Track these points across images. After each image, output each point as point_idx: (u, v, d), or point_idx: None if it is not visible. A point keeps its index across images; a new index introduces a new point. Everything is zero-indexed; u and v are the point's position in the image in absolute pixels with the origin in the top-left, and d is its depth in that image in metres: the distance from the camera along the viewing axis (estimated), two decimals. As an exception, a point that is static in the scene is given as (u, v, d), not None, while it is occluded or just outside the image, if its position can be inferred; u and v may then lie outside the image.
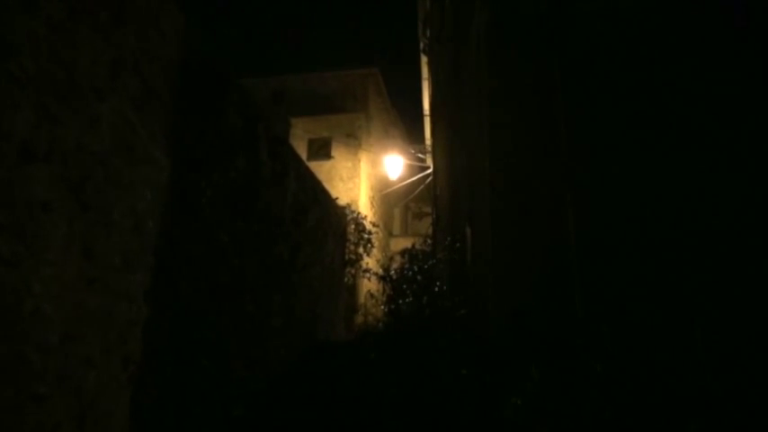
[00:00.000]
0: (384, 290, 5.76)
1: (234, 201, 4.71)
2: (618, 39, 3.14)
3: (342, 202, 11.18)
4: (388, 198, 17.95)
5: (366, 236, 11.27)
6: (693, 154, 2.85)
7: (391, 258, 6.06)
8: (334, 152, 14.20)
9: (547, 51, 3.29)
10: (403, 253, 5.73)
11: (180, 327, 3.74)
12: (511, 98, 3.37)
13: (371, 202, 15.21)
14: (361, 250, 10.94)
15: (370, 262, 10.95)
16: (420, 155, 14.47)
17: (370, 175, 15.32)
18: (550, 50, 3.27)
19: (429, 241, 7.27)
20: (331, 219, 9.08)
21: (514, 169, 3.27)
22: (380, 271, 5.77)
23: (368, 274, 9.99)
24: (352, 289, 11.05)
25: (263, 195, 5.53)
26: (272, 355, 5.56)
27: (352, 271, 10.67)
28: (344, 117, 14.73)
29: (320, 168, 13.27)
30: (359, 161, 14.18)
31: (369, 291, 7.25)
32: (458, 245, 5.30)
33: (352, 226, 11.18)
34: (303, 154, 13.41)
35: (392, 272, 5.49)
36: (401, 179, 14.75)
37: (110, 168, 2.90)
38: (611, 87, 3.12)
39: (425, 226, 15.09)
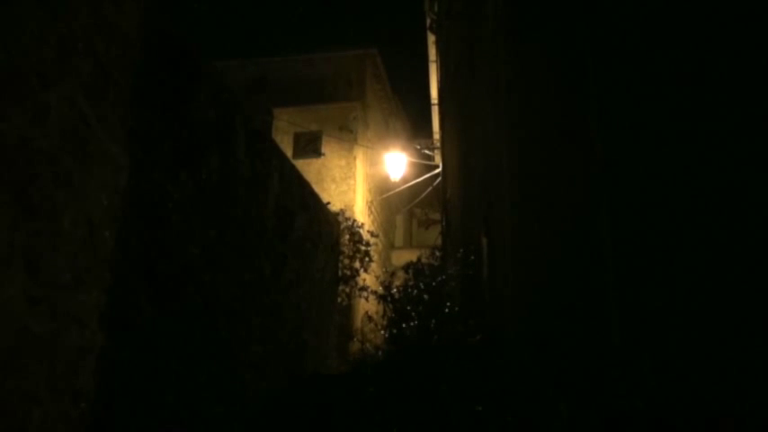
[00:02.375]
0: (384, 312, 5.74)
1: (206, 206, 4.71)
2: (663, 9, 3.15)
3: (334, 207, 11.19)
4: (389, 203, 17.96)
5: (363, 247, 11.26)
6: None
7: (393, 274, 6.06)
8: (324, 148, 14.22)
9: (575, 29, 3.30)
10: (407, 268, 5.73)
11: (141, 356, 3.73)
12: (532, 85, 3.37)
13: (369, 208, 15.22)
14: (357, 265, 10.93)
15: (368, 279, 10.95)
16: (427, 151, 14.49)
17: (368, 175, 15.34)
18: (580, 28, 3.28)
19: (438, 254, 7.26)
20: (321, 227, 9.09)
21: (537, 169, 3.27)
22: (380, 289, 5.76)
23: (365, 293, 9.98)
24: (347, 311, 11.03)
25: (241, 200, 5.53)
26: (251, 388, 5.54)
27: (347, 289, 10.66)
28: (337, 107, 14.76)
29: (309, 168, 13.29)
30: (354, 159, 14.20)
31: (366, 313, 7.23)
32: (471, 258, 5.29)
33: (347, 236, 11.18)
34: (288, 151, 13.43)
35: (394, 290, 5.48)
36: (405, 180, 14.76)
37: (59, 168, 2.89)
38: (656, 70, 3.12)
39: (433, 236, 15.09)
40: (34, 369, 2.68)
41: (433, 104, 14.11)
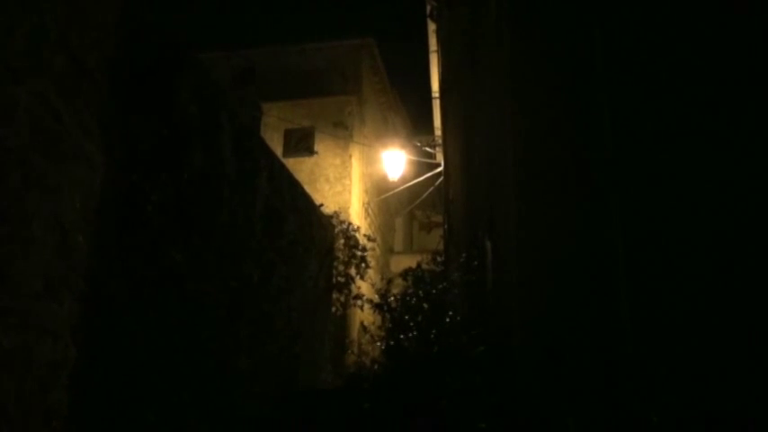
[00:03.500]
0: (382, 322, 5.75)
1: (189, 209, 4.72)
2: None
3: (328, 209, 11.20)
4: (387, 205, 17.98)
5: (359, 253, 11.27)
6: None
7: (391, 281, 6.06)
8: (317, 146, 14.24)
9: (584, 15, 3.31)
10: (406, 274, 5.73)
11: (119, 371, 3.73)
12: (539, 76, 3.38)
13: (366, 210, 15.24)
14: (352, 271, 10.94)
15: (364, 286, 10.95)
16: (428, 149, 14.50)
17: (365, 175, 15.36)
18: (589, 13, 3.30)
19: (440, 259, 7.27)
20: (314, 231, 9.10)
21: (545, 168, 3.28)
22: (377, 298, 5.76)
23: (360, 302, 9.99)
24: (342, 321, 11.04)
25: (227, 202, 5.54)
26: (238, 405, 5.54)
27: (342, 298, 10.66)
28: (331, 101, 14.78)
29: (300, 167, 13.30)
30: (350, 157, 14.22)
31: (362, 323, 7.25)
32: (475, 263, 5.29)
33: (342, 240, 11.19)
34: (278, 149, 13.44)
35: (392, 299, 5.48)
36: (404, 180, 14.77)
37: (29, 168, 2.91)
38: (674, 61, 3.13)
39: (435, 240, 15.09)
40: (3, 385, 2.69)
41: (435, 97, 14.12)
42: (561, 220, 3.20)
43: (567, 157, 3.26)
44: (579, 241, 3.12)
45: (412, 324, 4.90)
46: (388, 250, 18.38)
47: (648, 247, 2.94)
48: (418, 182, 14.89)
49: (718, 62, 3.08)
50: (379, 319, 6.00)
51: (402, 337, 4.87)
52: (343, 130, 14.33)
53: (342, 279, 10.69)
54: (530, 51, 3.52)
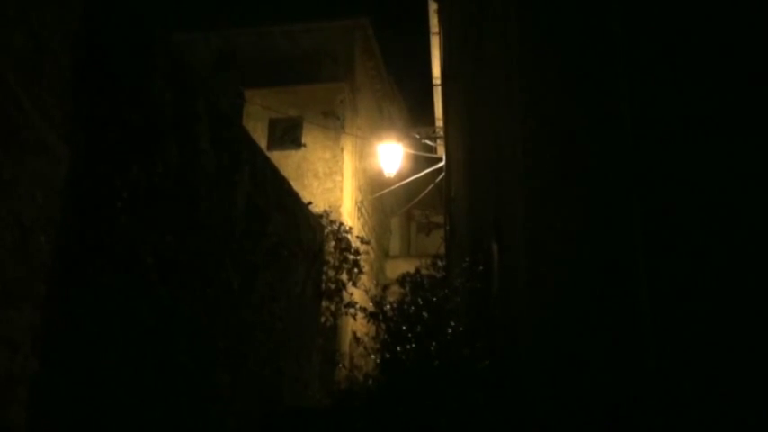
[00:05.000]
0: (376, 333, 5.74)
1: (162, 206, 4.71)
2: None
3: (317, 208, 11.19)
4: (382, 203, 17.99)
5: (352, 256, 11.27)
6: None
7: (386, 288, 6.05)
8: (305, 138, 14.23)
9: (601, 1, 3.32)
10: (403, 280, 5.72)
11: (82, 386, 3.72)
12: (550, 61, 3.39)
13: (359, 209, 15.24)
14: (344, 277, 10.94)
15: (357, 294, 10.95)
16: (428, 141, 14.52)
17: (358, 170, 15.36)
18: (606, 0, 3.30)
19: (440, 263, 7.25)
20: (301, 232, 9.09)
21: (557, 162, 3.28)
22: (371, 306, 5.75)
23: (353, 310, 9.99)
24: (332, 332, 11.04)
25: (205, 199, 5.53)
26: (216, 424, 5.54)
27: (332, 307, 10.66)
28: (320, 88, 14.78)
29: (286, 161, 13.29)
30: (341, 151, 14.22)
31: (355, 334, 7.26)
32: (480, 268, 5.30)
33: (332, 242, 11.19)
34: (262, 141, 13.43)
35: (387, 307, 5.48)
36: (401, 176, 14.77)
37: (-16, 160, 2.89)
38: (702, 50, 3.14)
39: (435, 243, 15.10)
40: (-46, 400, 2.67)
41: (436, 85, 14.13)
42: (575, 220, 3.20)
43: (582, 151, 3.26)
44: (595, 244, 3.13)
45: (410, 335, 4.90)
46: (384, 254, 18.39)
47: (671, 250, 2.94)
48: (417, 178, 14.89)
49: (749, 54, 3.09)
50: (373, 329, 5.99)
51: (399, 349, 4.87)
52: (333, 120, 14.33)
53: (332, 286, 10.68)
54: (539, 30, 3.53)
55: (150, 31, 4.79)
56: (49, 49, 3.42)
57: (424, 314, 5.01)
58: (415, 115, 20.43)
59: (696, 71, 3.15)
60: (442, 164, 13.43)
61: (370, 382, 5.78)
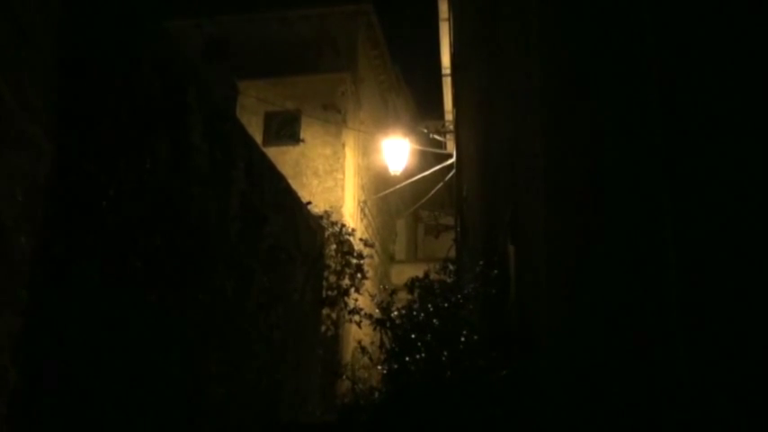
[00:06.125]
0: (382, 342, 5.73)
1: (151, 205, 4.71)
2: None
3: (317, 208, 11.18)
4: (387, 204, 17.99)
5: (354, 260, 11.25)
6: None
7: (393, 294, 6.03)
8: (304, 133, 14.22)
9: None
10: (411, 285, 5.71)
11: (66, 399, 3.72)
12: (572, 45, 3.38)
13: (362, 210, 15.24)
14: (346, 282, 10.93)
15: (361, 300, 10.94)
16: (437, 136, 14.52)
17: (361, 167, 15.36)
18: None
19: (451, 267, 7.24)
20: (300, 234, 9.10)
21: (578, 157, 3.28)
22: (377, 312, 5.74)
23: (356, 317, 9.97)
24: (333, 342, 11.03)
25: (197, 198, 5.54)
26: (210, 443, 5.54)
27: (333, 315, 10.65)
28: (320, 79, 14.77)
29: (284, 158, 13.29)
30: (343, 147, 14.21)
31: (359, 343, 7.21)
32: (495, 272, 5.29)
33: (334, 245, 11.17)
34: (257, 135, 13.43)
35: (394, 313, 5.47)
36: (408, 174, 14.77)
37: (-39, 154, 2.90)
38: (741, 36, 3.13)
39: (444, 246, 15.09)
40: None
41: (445, 75, 14.11)
42: (599, 219, 3.19)
43: (607, 144, 3.25)
44: (622, 245, 3.12)
45: (419, 344, 4.89)
46: (389, 259, 18.36)
47: (707, 252, 2.93)
48: (425, 176, 14.88)
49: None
50: (378, 337, 5.99)
51: (407, 359, 4.86)
52: (334, 113, 14.31)
53: (334, 292, 10.68)
54: (559, 12, 3.52)
55: (139, 18, 4.80)
56: (31, 35, 3.43)
57: (435, 321, 5.01)
58: (423, 108, 20.46)
59: (735, 58, 3.14)
60: (452, 160, 13.41)
61: (376, 395, 5.77)
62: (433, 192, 15.42)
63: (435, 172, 14.64)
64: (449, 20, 12.99)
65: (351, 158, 14.46)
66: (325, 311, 10.45)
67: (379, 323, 5.47)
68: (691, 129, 3.09)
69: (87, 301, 3.93)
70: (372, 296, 8.53)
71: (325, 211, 11.50)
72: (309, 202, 10.41)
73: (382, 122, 17.21)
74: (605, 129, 3.24)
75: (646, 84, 3.19)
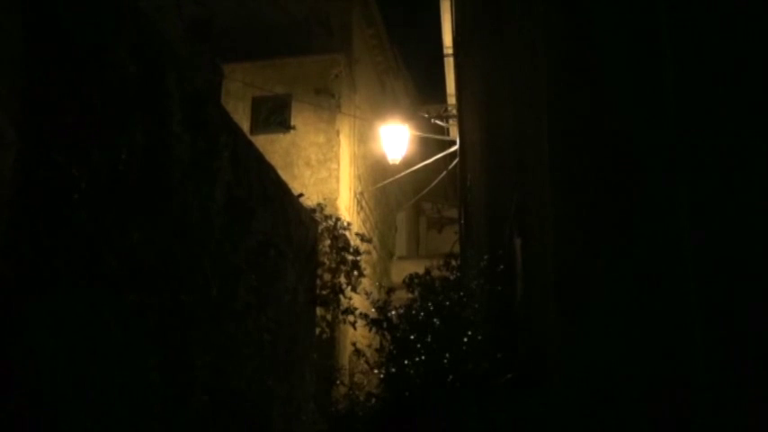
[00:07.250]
0: (380, 344, 5.74)
1: (127, 198, 4.71)
2: None
3: (310, 201, 11.18)
4: (386, 195, 17.99)
5: (351, 257, 11.27)
6: None
7: (391, 292, 6.04)
8: (295, 120, 14.20)
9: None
10: (411, 283, 5.72)
11: (36, 409, 3.72)
12: (581, 30, 3.38)
13: (359, 202, 15.24)
14: (342, 280, 10.94)
15: (358, 299, 10.96)
16: (439, 122, 14.50)
17: (357, 156, 15.35)
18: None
19: (454, 263, 7.24)
20: (291, 229, 9.09)
21: (590, 146, 3.27)
22: (373, 312, 5.75)
23: (353, 317, 9.97)
24: (328, 345, 11.04)
25: (177, 190, 5.53)
26: (195, 455, 5.55)
27: (328, 316, 10.65)
28: (312, 61, 14.76)
29: (273, 146, 13.28)
30: (337, 134, 14.19)
31: (355, 345, 7.21)
32: (501, 268, 5.29)
33: (328, 241, 11.18)
34: (244, 123, 13.42)
35: (392, 313, 5.47)
36: (408, 163, 14.77)
37: None
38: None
39: (449, 241, 15.10)
40: None
41: (447, 55, 14.09)
42: (612, 213, 3.19)
43: (620, 134, 3.25)
44: (636, 238, 3.12)
45: (419, 346, 4.89)
46: (388, 254, 18.37)
47: (727, 250, 2.93)
48: (426, 165, 14.88)
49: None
50: (376, 340, 5.99)
51: (407, 362, 4.86)
52: (327, 98, 14.28)
53: (328, 291, 10.68)
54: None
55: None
56: (-7, 15, 3.42)
57: (436, 321, 5.01)
58: (424, 91, 20.46)
59: (753, 48, 3.14)
60: (455, 148, 13.41)
61: (374, 401, 5.78)
62: (435, 182, 15.41)
63: (438, 160, 14.64)
64: (450, -5, 12.96)
65: (346, 147, 14.44)
66: (319, 312, 10.45)
67: (374, 323, 5.47)
68: (707, 120, 3.09)
69: (57, 302, 3.92)
70: (369, 293, 8.53)
71: (319, 204, 11.50)
72: (301, 195, 10.41)
73: (380, 107, 17.20)
74: (619, 118, 3.24)
75: (659, 73, 3.19)
